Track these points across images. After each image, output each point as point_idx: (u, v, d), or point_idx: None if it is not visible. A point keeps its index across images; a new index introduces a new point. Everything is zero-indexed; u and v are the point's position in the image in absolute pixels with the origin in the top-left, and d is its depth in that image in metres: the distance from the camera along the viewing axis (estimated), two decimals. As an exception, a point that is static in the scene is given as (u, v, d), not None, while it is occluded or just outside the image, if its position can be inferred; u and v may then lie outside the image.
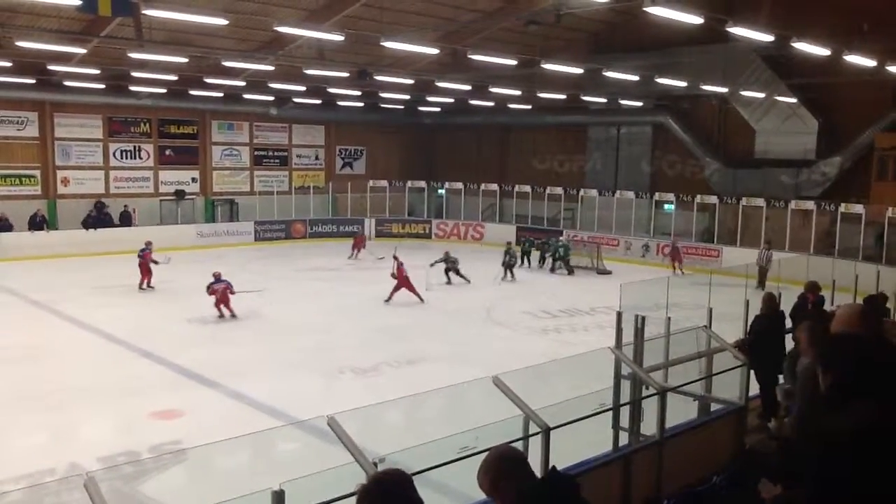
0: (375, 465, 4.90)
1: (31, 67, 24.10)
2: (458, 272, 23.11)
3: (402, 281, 19.99)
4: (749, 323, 10.08)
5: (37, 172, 28.93)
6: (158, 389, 12.91)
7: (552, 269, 26.07)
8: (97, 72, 24.60)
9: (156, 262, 21.22)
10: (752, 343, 9.16)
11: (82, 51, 22.09)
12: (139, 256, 21.21)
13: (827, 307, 10.37)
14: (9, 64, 22.53)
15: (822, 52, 18.11)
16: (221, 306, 17.89)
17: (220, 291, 17.93)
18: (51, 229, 27.76)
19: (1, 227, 26.73)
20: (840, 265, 18.69)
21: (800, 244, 24.19)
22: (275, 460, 8.66)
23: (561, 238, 27.73)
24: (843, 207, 23.98)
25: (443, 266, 23.01)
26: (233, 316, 17.94)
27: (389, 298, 20.01)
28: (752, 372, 8.47)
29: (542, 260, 26.80)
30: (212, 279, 18.13)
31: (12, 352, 14.80)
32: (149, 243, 21.67)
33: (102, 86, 27.04)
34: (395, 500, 2.68)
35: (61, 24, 21.64)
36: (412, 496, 2.69)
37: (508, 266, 24.06)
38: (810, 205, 24.81)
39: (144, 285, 21.23)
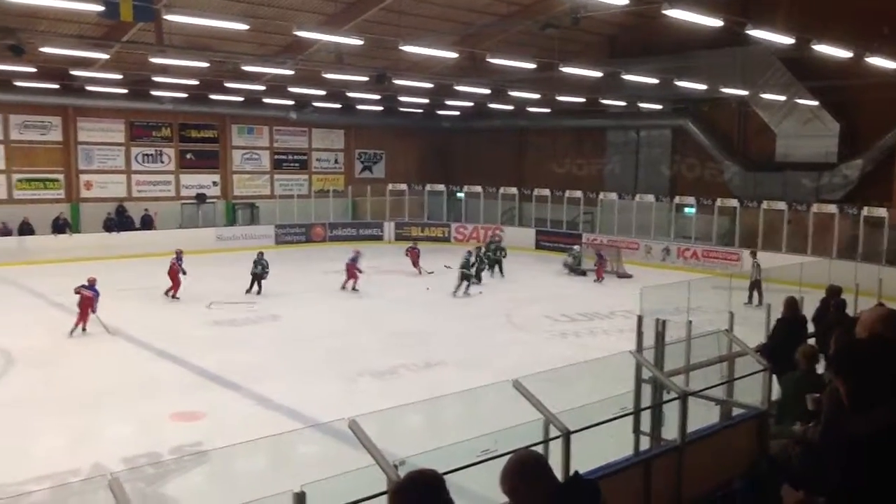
0: (396, 467, 4.92)
1: (55, 73, 24.41)
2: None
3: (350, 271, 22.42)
4: (771, 327, 10.01)
5: (60, 176, 29.29)
6: (179, 391, 13.03)
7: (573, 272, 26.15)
8: (119, 77, 24.84)
9: (184, 273, 20.86)
10: (774, 347, 9.10)
11: (104, 56, 22.34)
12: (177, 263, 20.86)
13: (850, 312, 10.27)
14: (33, 69, 22.84)
15: (842, 54, 17.97)
16: (84, 320, 16.61)
17: (85, 298, 16.57)
18: (73, 232, 28.08)
19: (23, 230, 27.11)
20: (863, 269, 18.51)
21: (822, 248, 23.97)
22: (295, 462, 8.71)
23: (575, 247, 27.66)
24: (865, 211, 23.74)
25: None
26: (83, 329, 16.59)
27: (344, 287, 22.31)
28: (773, 376, 8.42)
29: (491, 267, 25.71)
30: (85, 283, 16.86)
31: (36, 354, 15.00)
32: (178, 252, 21.28)
33: (124, 90, 27.34)
34: (427, 500, 2.70)
35: (83, 29, 21.90)
36: (444, 497, 2.71)
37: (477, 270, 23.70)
38: (832, 208, 24.58)
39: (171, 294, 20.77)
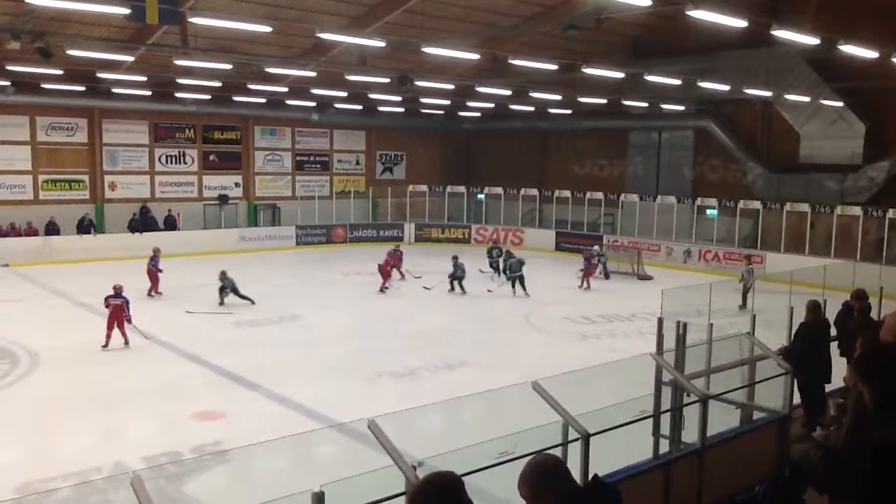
0: (414, 468, 4.93)
1: (81, 75, 24.69)
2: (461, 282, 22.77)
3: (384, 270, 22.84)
4: (793, 330, 9.92)
5: (85, 177, 29.63)
6: (200, 391, 13.13)
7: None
8: (144, 79, 25.12)
9: (160, 271, 21.27)
10: (797, 352, 9.01)
11: (130, 58, 22.59)
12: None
13: (875, 315, 10.14)
14: (60, 72, 23.13)
15: (869, 54, 17.75)
16: (114, 327, 15.48)
17: (115, 308, 15.50)
18: (98, 233, 28.39)
19: (49, 230, 27.48)
20: (888, 272, 18.29)
21: (846, 251, 23.70)
22: (314, 462, 8.74)
23: (594, 247, 27.54)
24: (891, 213, 23.44)
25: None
26: (125, 343, 15.61)
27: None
28: (795, 380, 8.33)
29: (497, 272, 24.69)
30: (111, 292, 15.75)
31: (61, 353, 15.17)
32: (156, 250, 21.70)
33: (149, 92, 27.62)
34: (446, 503, 2.70)
35: (110, 32, 22.15)
36: (463, 499, 2.71)
37: (457, 279, 22.68)
38: (857, 210, 24.30)
39: (153, 293, 21.20)
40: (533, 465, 2.87)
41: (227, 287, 20.18)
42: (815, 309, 9.56)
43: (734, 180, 29.33)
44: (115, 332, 15.62)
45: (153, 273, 21.22)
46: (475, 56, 21.00)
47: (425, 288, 22.78)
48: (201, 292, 21.20)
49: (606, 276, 25.69)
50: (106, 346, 15.49)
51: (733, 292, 19.84)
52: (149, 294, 21.02)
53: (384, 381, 13.85)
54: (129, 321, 15.73)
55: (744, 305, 19.10)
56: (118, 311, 15.60)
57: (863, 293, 10.24)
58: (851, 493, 3.07)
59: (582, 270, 24.08)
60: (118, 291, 15.80)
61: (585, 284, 23.78)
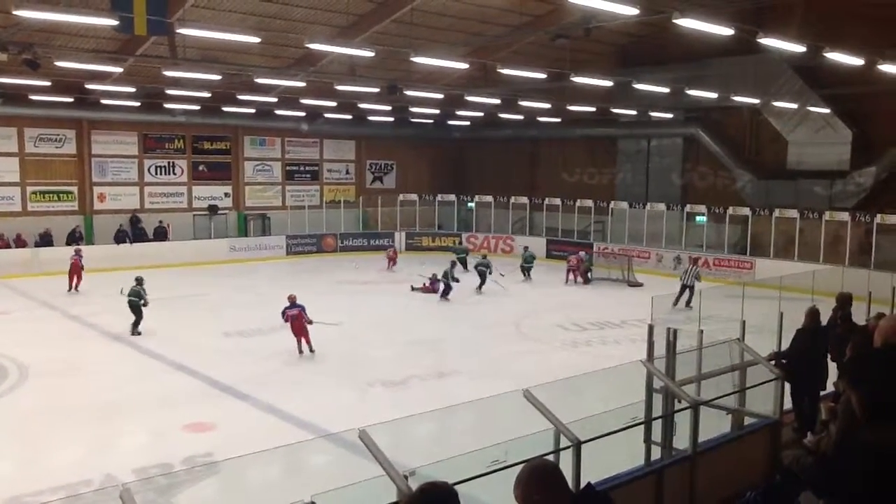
0: (406, 478, 4.92)
1: (70, 86, 24.63)
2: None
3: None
4: (783, 336, 9.93)
5: (74, 188, 29.52)
6: (191, 402, 13.06)
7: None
8: (133, 90, 25.07)
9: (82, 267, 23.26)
10: (793, 358, 9.00)
11: (118, 69, 22.55)
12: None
13: (860, 320, 10.15)
14: (48, 83, 23.06)
15: (855, 61, 17.88)
16: (301, 340, 15.90)
17: (294, 318, 15.87)
18: (86, 244, 28.24)
19: (42, 241, 27.37)
20: (876, 277, 18.36)
21: (835, 256, 23.83)
22: (306, 473, 8.71)
23: (581, 252, 27.70)
24: (878, 218, 23.59)
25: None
26: (310, 350, 15.95)
27: None
28: (785, 385, 8.35)
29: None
30: (287, 303, 16.02)
31: (51, 365, 15.07)
32: (78, 250, 24.04)
33: (138, 103, 27.57)
34: None
35: (98, 43, 22.12)
36: None
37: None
38: (845, 216, 24.44)
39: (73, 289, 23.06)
40: (530, 469, 2.89)
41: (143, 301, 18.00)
42: (814, 316, 9.52)
43: (723, 187, 29.45)
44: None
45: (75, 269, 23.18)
46: (464, 65, 21.05)
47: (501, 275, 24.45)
48: (190, 302, 21.13)
49: (588, 281, 25.97)
50: (302, 351, 15.96)
51: (724, 298, 19.92)
52: (74, 290, 22.93)
53: (376, 389, 13.82)
54: (311, 322, 15.92)
55: (676, 304, 19.99)
56: (299, 321, 15.84)
57: (847, 297, 10.23)
58: (842, 498, 3.08)
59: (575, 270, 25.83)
60: (293, 301, 15.97)
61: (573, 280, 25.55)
